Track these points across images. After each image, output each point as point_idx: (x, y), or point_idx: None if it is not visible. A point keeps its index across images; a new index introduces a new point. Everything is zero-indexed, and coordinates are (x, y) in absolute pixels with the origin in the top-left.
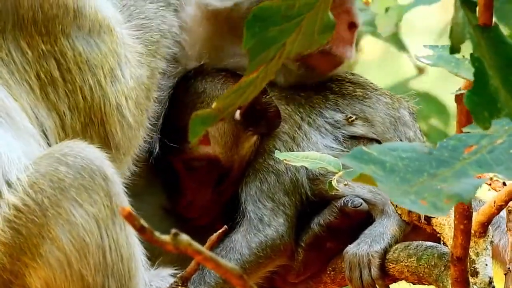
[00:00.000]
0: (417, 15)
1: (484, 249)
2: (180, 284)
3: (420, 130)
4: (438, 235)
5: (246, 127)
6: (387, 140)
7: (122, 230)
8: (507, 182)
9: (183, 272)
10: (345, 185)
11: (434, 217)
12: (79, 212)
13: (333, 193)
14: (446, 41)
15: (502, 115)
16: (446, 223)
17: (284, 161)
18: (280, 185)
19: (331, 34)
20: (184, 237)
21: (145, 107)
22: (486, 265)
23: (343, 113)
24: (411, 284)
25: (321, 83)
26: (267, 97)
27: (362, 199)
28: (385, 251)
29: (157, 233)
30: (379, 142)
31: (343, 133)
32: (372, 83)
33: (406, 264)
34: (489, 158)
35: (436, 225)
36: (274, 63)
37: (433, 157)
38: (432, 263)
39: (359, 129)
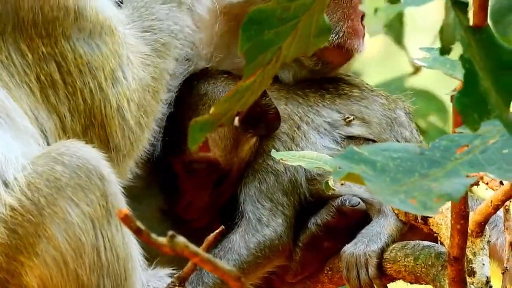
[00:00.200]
0: (418, 13)
1: (481, 249)
2: (177, 284)
3: (416, 130)
4: (435, 234)
5: (246, 129)
6: (383, 141)
7: (119, 230)
8: (504, 182)
9: (180, 272)
10: (342, 184)
11: (431, 217)
12: (75, 211)
13: (330, 193)
14: None
15: (492, 116)
16: (443, 223)
17: (281, 160)
18: (279, 185)
19: (327, 37)
20: (181, 239)
21: (150, 109)
22: (483, 264)
23: (341, 113)
24: (409, 283)
25: (317, 83)
26: (267, 99)
27: (360, 198)
28: (382, 251)
29: (153, 235)
30: (375, 142)
31: (340, 133)
32: (368, 84)
33: (403, 264)
34: (481, 158)
35: (433, 225)
36: (271, 67)
37: (424, 157)
38: (429, 263)
39: (356, 129)
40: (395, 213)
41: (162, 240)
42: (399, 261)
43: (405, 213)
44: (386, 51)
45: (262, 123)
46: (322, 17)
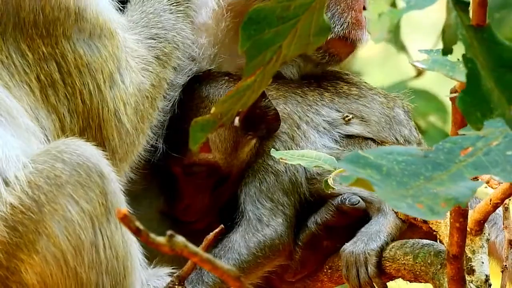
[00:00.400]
0: (420, 14)
1: (480, 247)
2: (177, 284)
3: (415, 128)
4: (435, 233)
5: (246, 131)
6: (382, 139)
7: (118, 228)
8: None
9: (180, 271)
10: (341, 183)
11: None
12: (75, 208)
13: (330, 192)
14: None
15: (494, 115)
16: (442, 221)
17: (280, 159)
18: (279, 185)
19: (327, 36)
20: (180, 239)
21: (147, 115)
22: (483, 263)
23: (340, 111)
24: (408, 282)
25: (316, 82)
26: (266, 100)
27: (359, 196)
28: (382, 249)
29: (152, 235)
30: (374, 141)
31: (339, 132)
32: (366, 83)
33: (402, 262)
34: (485, 160)
35: (432, 223)
36: (271, 66)
37: (428, 160)
38: (429, 261)
39: (355, 128)
40: (395, 212)
41: (161, 239)
42: (398, 260)
43: None
44: (387, 51)
45: (262, 124)
46: (322, 16)
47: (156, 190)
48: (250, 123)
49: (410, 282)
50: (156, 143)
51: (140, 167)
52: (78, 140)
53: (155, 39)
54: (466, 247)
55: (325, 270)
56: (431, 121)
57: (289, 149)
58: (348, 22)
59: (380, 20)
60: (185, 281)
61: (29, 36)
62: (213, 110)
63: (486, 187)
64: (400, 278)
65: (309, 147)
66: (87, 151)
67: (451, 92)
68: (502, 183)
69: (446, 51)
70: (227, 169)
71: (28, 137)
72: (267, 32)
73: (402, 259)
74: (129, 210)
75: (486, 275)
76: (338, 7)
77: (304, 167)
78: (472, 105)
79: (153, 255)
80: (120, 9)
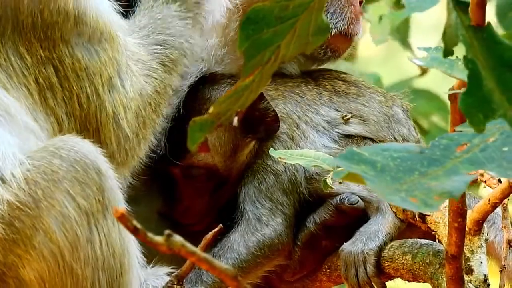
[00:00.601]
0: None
1: (479, 247)
2: (175, 283)
3: (414, 128)
4: (433, 232)
5: (245, 134)
6: (381, 138)
7: (115, 225)
8: (502, 180)
9: (178, 271)
10: (340, 183)
11: (429, 215)
12: (71, 204)
13: (328, 191)
14: None
15: (496, 116)
16: (441, 221)
17: (279, 159)
18: (278, 184)
19: (326, 36)
20: (178, 238)
21: (149, 121)
22: (481, 262)
23: (339, 111)
24: (407, 281)
25: (314, 81)
26: (265, 102)
27: (358, 196)
28: (380, 249)
29: (150, 234)
30: (373, 140)
31: (339, 132)
32: (364, 82)
33: (401, 262)
34: (481, 156)
35: (431, 223)
36: (270, 65)
37: (424, 156)
38: (427, 261)
39: (354, 127)
40: (393, 211)
41: (159, 239)
42: (397, 259)
43: (403, 211)
44: (389, 50)
45: (261, 126)
46: (321, 15)
47: (155, 191)
48: (249, 125)
49: (409, 281)
50: (157, 148)
51: (141, 172)
52: (76, 137)
53: (161, 45)
54: (464, 247)
55: (324, 270)
56: (433, 121)
57: (288, 149)
58: (348, 18)
59: (381, 22)
60: (184, 281)
61: (27, 39)
62: (211, 110)
63: (485, 187)
64: (398, 278)
65: (308, 147)
66: (84, 148)
67: (450, 90)
68: (501, 182)
69: (447, 52)
70: (226, 172)
71: (27, 135)
72: (265, 32)
73: (401, 258)
74: (127, 209)
75: (485, 275)
76: (339, 2)
77: (303, 167)
78: (474, 106)
79: (152, 255)
80: (122, 12)
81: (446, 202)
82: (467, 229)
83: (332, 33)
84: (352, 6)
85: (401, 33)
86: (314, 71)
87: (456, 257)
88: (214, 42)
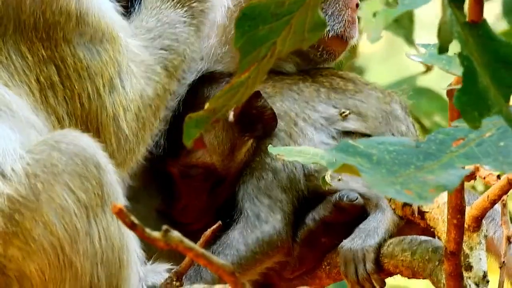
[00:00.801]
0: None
1: (478, 243)
2: (174, 280)
3: (413, 124)
4: (432, 229)
5: (243, 132)
6: (379, 135)
7: (114, 220)
8: (501, 176)
9: (177, 267)
10: (339, 180)
11: (427, 212)
12: (71, 197)
13: (327, 188)
14: None
15: (492, 113)
16: (440, 218)
17: (278, 156)
18: (277, 182)
19: (322, 32)
20: (175, 234)
21: (148, 123)
22: (480, 259)
23: (336, 107)
24: (406, 278)
25: (311, 78)
26: (261, 100)
27: (357, 193)
28: (380, 246)
29: (148, 230)
30: (371, 137)
31: (337, 128)
32: (362, 78)
33: (400, 259)
34: (477, 150)
35: (430, 220)
36: (266, 62)
37: (420, 150)
38: (426, 258)
39: (353, 124)
40: (392, 208)
41: (156, 234)
42: (396, 256)
43: (402, 207)
44: (390, 48)
45: (258, 125)
46: (316, 12)
47: (154, 190)
48: (247, 124)
49: (408, 278)
50: (156, 147)
51: (139, 171)
52: (75, 131)
53: (166, 50)
54: (463, 244)
55: (323, 267)
56: (435, 120)
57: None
58: (345, 20)
59: (375, 19)
60: (184, 278)
61: (29, 39)
62: (207, 106)
63: (483, 184)
64: (398, 275)
65: (306, 144)
66: (84, 142)
67: (448, 86)
68: (500, 178)
69: (442, 49)
70: (225, 171)
71: (28, 131)
72: (261, 28)
73: (400, 255)
74: (126, 204)
75: (484, 271)
76: (337, 5)
77: (302, 164)
78: (469, 104)
79: (152, 251)
80: (123, 13)
81: (445, 199)
82: (466, 225)
83: (329, 35)
84: (349, 10)
85: (406, 29)
86: (311, 68)
87: (455, 254)
88: (214, 41)
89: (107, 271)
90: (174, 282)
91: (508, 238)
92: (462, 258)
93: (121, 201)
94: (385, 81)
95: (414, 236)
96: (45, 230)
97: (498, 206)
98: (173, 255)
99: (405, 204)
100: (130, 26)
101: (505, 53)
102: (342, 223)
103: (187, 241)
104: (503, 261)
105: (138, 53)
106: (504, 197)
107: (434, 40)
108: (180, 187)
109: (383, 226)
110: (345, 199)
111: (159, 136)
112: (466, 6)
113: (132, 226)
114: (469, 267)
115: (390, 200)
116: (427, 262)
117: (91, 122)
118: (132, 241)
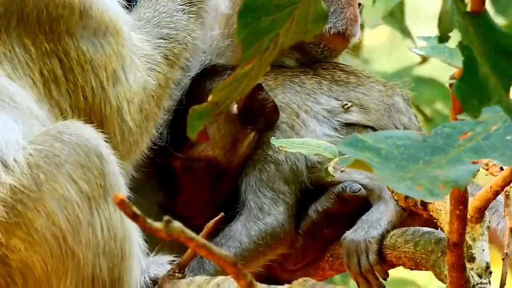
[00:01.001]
0: (422, 1)
1: (481, 235)
2: (177, 271)
3: (415, 116)
4: (435, 220)
5: (245, 125)
6: (382, 127)
7: (117, 211)
8: (504, 167)
9: (180, 259)
10: (342, 171)
11: (430, 203)
12: (73, 188)
13: (330, 180)
14: None
15: (492, 103)
16: (442, 209)
17: (280, 147)
18: (279, 174)
19: (324, 23)
20: (177, 224)
21: (152, 114)
22: (483, 250)
23: (338, 100)
24: (409, 269)
25: (313, 70)
26: (263, 93)
27: (360, 184)
28: (382, 237)
29: (149, 220)
30: (374, 129)
31: (339, 120)
32: (363, 71)
33: (403, 250)
34: (484, 144)
35: (432, 211)
36: (268, 53)
37: (427, 144)
38: (429, 249)
39: (355, 116)
40: (395, 199)
41: (158, 225)
42: (399, 247)
43: (405, 199)
44: (392, 39)
45: (260, 117)
46: (319, 3)
47: (156, 184)
48: (249, 117)
49: (411, 269)
50: (159, 140)
51: (142, 164)
52: (78, 122)
53: (165, 39)
54: (466, 235)
55: (326, 258)
56: (437, 108)
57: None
58: (347, 18)
59: (374, 6)
60: (186, 269)
61: (32, 32)
62: (210, 98)
63: (487, 175)
64: (401, 266)
65: (309, 136)
66: (86, 132)
67: (450, 79)
68: (503, 169)
69: (443, 38)
70: (227, 164)
71: (32, 122)
72: (264, 19)
73: (403, 246)
74: (129, 195)
75: (487, 263)
76: (340, 2)
77: (304, 156)
78: (469, 92)
79: (155, 243)
80: (126, 6)
81: None
82: (469, 216)
83: (331, 33)
84: (352, 8)
85: (397, 20)
86: (313, 62)
87: (458, 245)
88: (217, 33)
89: (109, 262)
90: (177, 274)
91: (511, 230)
92: (465, 249)
93: (124, 192)
94: (388, 72)
95: (417, 227)
96: (47, 221)
97: (501, 197)
98: (175, 247)
99: (407, 195)
100: (131, 19)
101: (505, 43)
102: (344, 214)
103: (188, 232)
104: (506, 253)
105: (140, 46)
106: (507, 188)
107: (435, 33)
108: (182, 181)
109: (385, 217)
110: (348, 190)
111: (163, 127)
112: None
113: (133, 217)
114: (472, 259)
115: (393, 191)
116: (429, 254)
117: (94, 115)
118: (134, 232)
